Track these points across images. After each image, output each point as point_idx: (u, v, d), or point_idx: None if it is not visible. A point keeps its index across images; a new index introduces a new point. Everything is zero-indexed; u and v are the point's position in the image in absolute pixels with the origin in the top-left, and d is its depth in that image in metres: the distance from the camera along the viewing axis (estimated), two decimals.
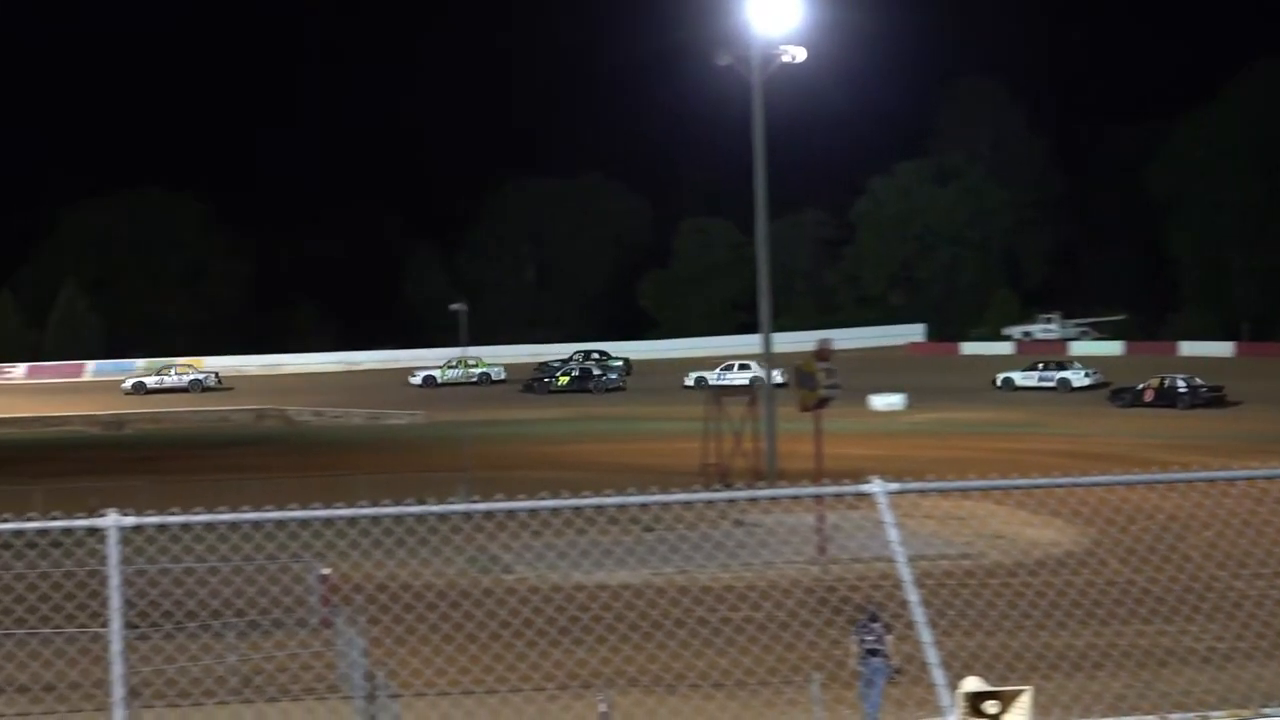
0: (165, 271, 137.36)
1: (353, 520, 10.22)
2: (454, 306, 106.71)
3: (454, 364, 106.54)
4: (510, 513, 10.36)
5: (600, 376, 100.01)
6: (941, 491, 25.90)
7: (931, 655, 9.55)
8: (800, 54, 59.01)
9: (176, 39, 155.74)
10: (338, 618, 30.30)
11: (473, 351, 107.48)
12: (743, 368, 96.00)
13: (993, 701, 9.60)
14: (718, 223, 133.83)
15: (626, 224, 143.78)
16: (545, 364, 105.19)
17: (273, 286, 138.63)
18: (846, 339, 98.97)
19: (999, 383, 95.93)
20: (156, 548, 25.85)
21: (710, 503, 32.95)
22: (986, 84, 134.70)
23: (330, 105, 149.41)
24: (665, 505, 17.40)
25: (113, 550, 9.26)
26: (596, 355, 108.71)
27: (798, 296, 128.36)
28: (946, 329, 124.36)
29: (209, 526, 9.50)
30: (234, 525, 8.85)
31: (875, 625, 24.46)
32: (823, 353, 45.02)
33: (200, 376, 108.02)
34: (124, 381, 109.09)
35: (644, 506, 16.91)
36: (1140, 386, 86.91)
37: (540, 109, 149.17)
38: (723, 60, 59.63)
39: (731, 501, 39.12)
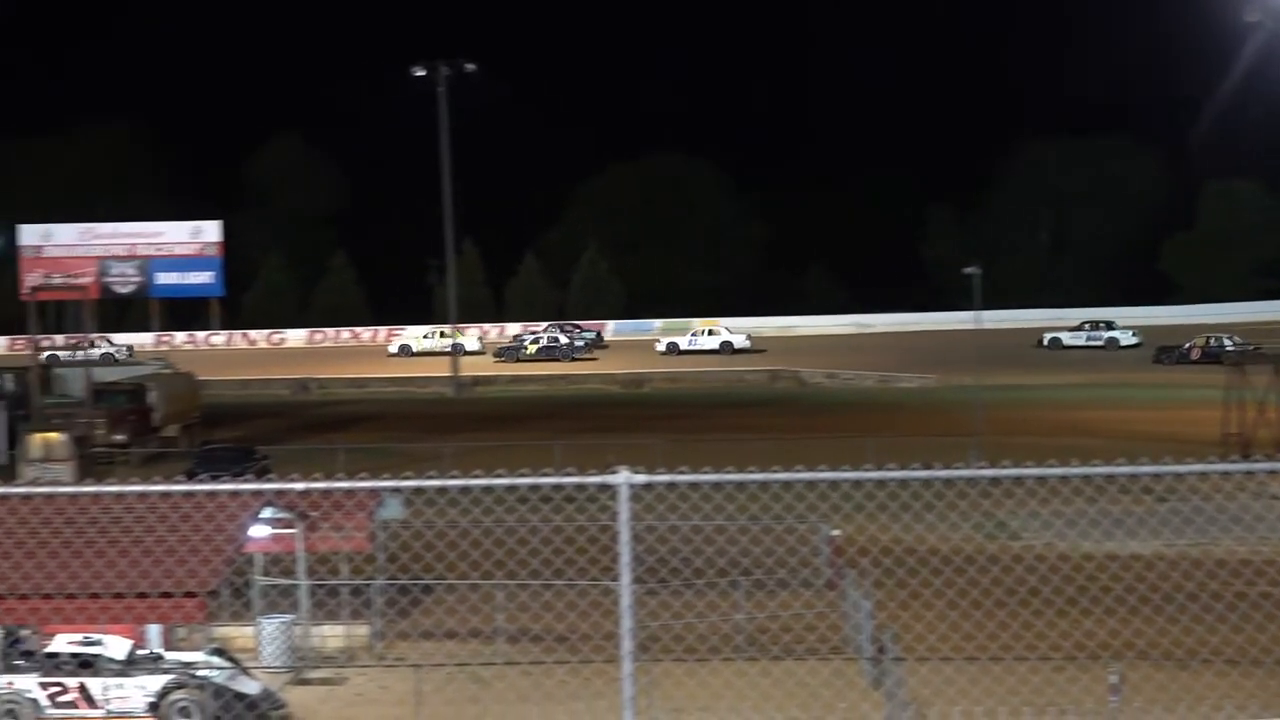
0: (682, 234, 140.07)
1: (858, 483, 10.11)
2: (968, 270, 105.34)
3: (427, 334, 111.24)
4: (1018, 479, 10.08)
5: (566, 345, 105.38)
6: None
7: None
8: None
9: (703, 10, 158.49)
10: (844, 579, 30.34)
11: (986, 315, 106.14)
12: (711, 333, 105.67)
13: None
14: (1245, 184, 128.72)
15: (1146, 185, 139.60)
16: (518, 336, 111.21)
17: (787, 249, 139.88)
18: None
19: (1046, 342, 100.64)
20: (666, 505, 26.28)
21: (1227, 474, 31.70)
22: None
23: (839, 67, 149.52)
24: (1179, 476, 16.72)
25: (623, 507, 9.36)
26: (568, 327, 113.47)
27: None
28: None
29: (716, 486, 9.52)
30: (740, 485, 8.89)
31: None
32: None
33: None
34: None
35: (1156, 477, 16.29)
36: (1186, 346, 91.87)
37: (1054, 69, 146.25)
38: (1251, 16, 57.18)
39: (1249, 474, 37.54)
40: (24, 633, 27.89)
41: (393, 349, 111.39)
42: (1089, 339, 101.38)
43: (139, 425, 61.83)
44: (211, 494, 24.79)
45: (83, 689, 26.56)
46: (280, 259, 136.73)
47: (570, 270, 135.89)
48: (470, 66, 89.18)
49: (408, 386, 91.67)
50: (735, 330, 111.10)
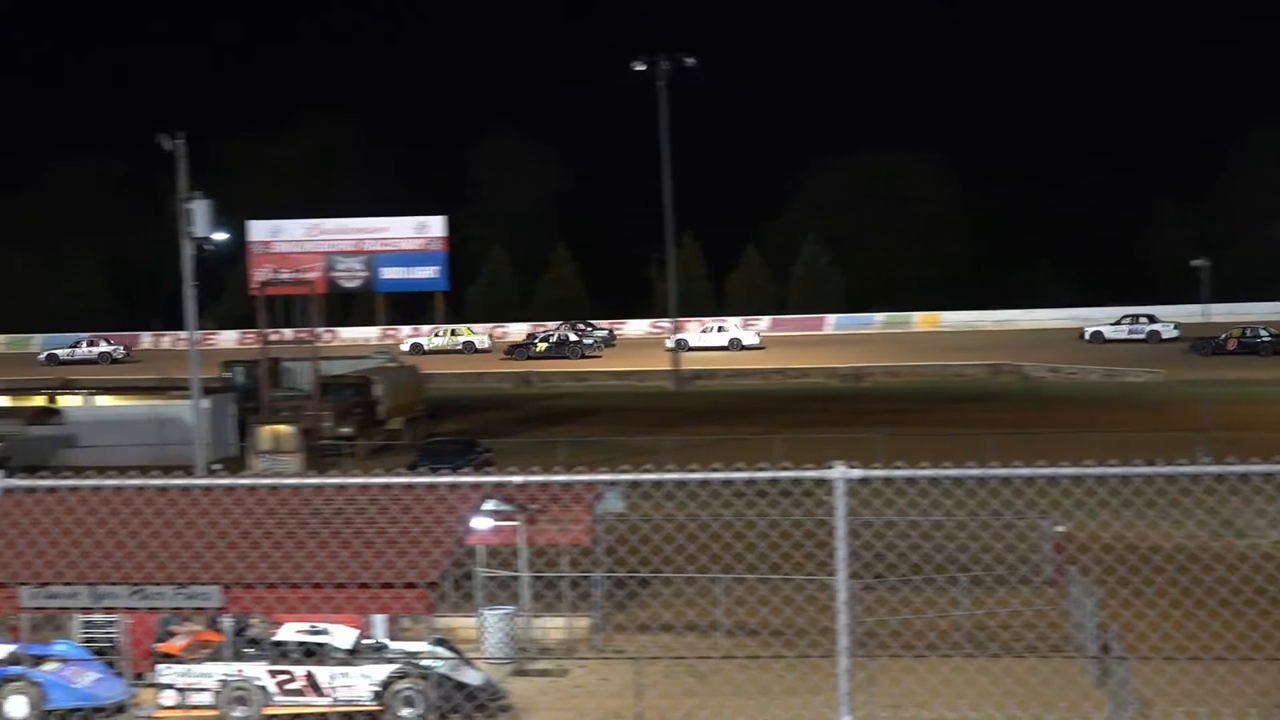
0: (902, 228, 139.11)
1: (1078, 478, 10.01)
2: (1195, 262, 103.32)
3: (439, 333, 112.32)
4: (1243, 476, 9.91)
5: (576, 343, 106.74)
6: None
7: None
8: None
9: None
10: (1067, 576, 29.97)
11: (1216, 309, 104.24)
12: (720, 330, 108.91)
13: None
14: None
15: None
16: (530, 334, 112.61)
17: (1008, 242, 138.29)
18: None
19: (1088, 336, 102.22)
20: (883, 500, 26.17)
21: None
22: None
23: (1062, 59, 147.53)
24: None
25: (840, 501, 9.35)
26: (581, 326, 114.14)
27: None
28: None
29: (933, 481, 9.47)
30: (958, 480, 8.86)
31: None
32: None
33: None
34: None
35: None
36: (1223, 337, 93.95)
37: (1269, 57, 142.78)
38: None
39: None
40: (252, 621, 28.59)
41: (405, 347, 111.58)
42: (1130, 332, 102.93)
43: (365, 418, 62.95)
44: (431, 486, 25.20)
45: (310, 677, 27.14)
46: (503, 253, 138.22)
47: (790, 264, 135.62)
48: (690, 60, 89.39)
49: (628, 380, 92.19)
50: (963, 322, 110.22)
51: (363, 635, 28.10)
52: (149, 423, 60.43)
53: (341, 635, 27.72)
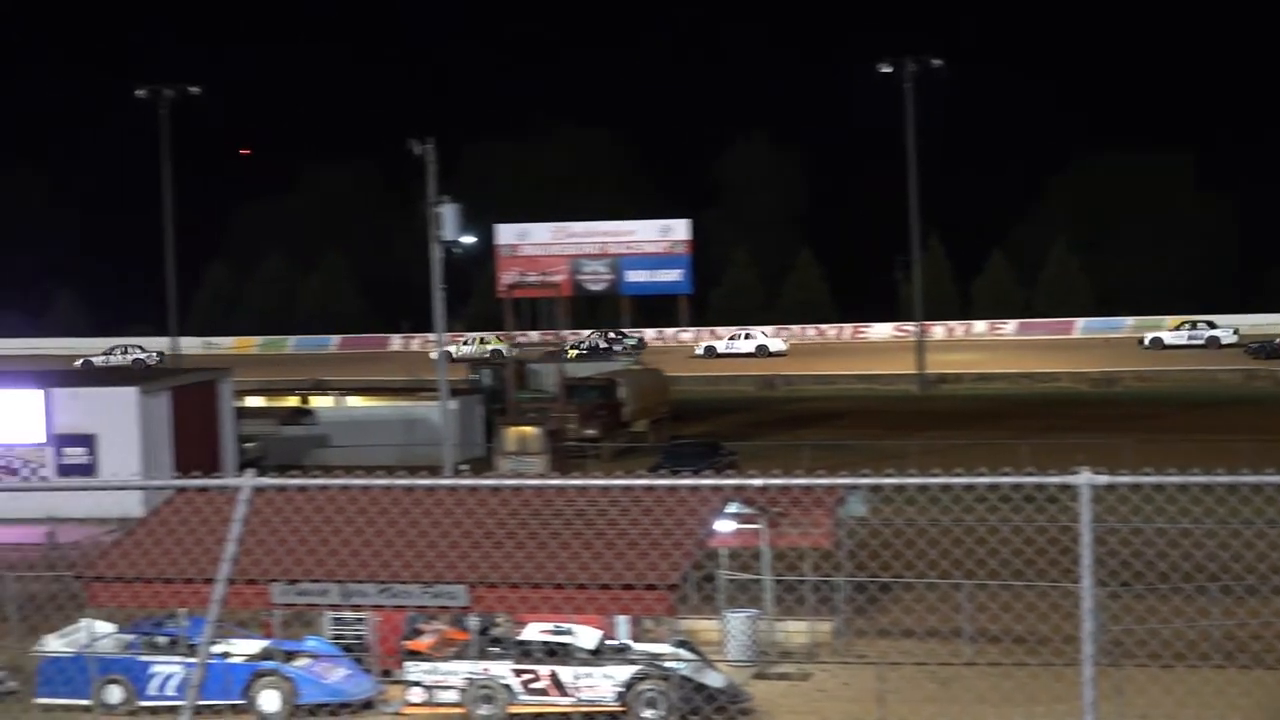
0: (1152, 230, 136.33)
1: None
2: None
3: (467, 342, 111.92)
4: None
5: (606, 350, 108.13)
6: None
7: None
8: None
9: None
10: None
11: None
12: (747, 337, 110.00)
13: None
14: None
15: None
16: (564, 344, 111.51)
17: (1263, 244, 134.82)
18: None
19: (1147, 342, 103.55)
20: (1129, 507, 25.71)
21: None
22: None
23: None
24: None
25: (1085, 508, 9.22)
26: (611, 334, 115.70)
27: None
28: None
29: (1181, 488, 9.30)
30: (1207, 488, 8.68)
31: None
32: None
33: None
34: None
35: None
36: (1277, 340, 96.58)
37: None
38: None
39: None
40: (497, 621, 28.98)
41: (433, 355, 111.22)
42: (1190, 338, 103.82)
43: (609, 420, 63.39)
44: (672, 488, 25.35)
45: (554, 677, 27.44)
46: (747, 256, 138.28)
47: (1036, 267, 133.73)
48: (936, 62, 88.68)
49: (873, 384, 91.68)
50: (1204, 326, 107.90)
51: (606, 636, 28.33)
52: (398, 423, 61.60)
53: (585, 636, 27.98)
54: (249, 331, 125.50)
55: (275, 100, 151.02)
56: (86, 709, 28.62)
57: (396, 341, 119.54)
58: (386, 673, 29.02)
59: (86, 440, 51.91)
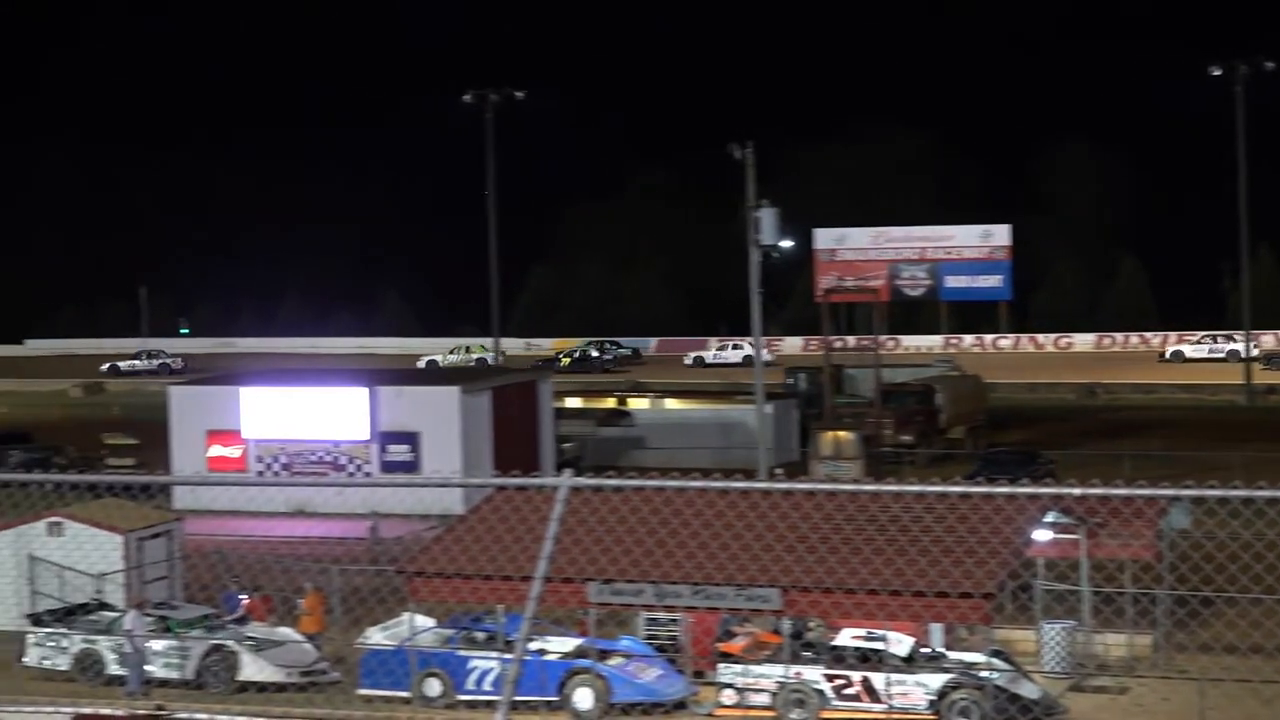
0: None
1: None
2: None
3: (454, 350, 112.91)
4: None
5: (597, 359, 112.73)
6: None
7: None
8: None
9: None
10: None
11: None
12: (735, 348, 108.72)
13: None
14: None
15: None
16: (558, 352, 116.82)
17: None
18: None
19: (1169, 355, 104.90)
20: None
21: None
22: None
23: None
24: None
25: None
26: (605, 344, 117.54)
27: None
28: None
29: None
30: None
31: None
32: None
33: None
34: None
35: None
36: None
37: None
38: None
39: None
40: (810, 625, 28.95)
41: (421, 364, 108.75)
42: (1210, 351, 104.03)
43: (926, 426, 62.81)
44: (988, 496, 25.04)
45: (866, 683, 27.31)
46: (1070, 263, 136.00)
47: None
48: (1270, 64, 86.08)
49: (1198, 393, 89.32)
50: None
51: (919, 643, 28.10)
52: (714, 427, 61.85)
53: (898, 642, 27.78)
54: (569, 333, 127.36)
55: (598, 103, 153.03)
56: (406, 701, 29.32)
57: (712, 345, 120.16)
58: (699, 674, 29.19)
59: (410, 438, 53.19)
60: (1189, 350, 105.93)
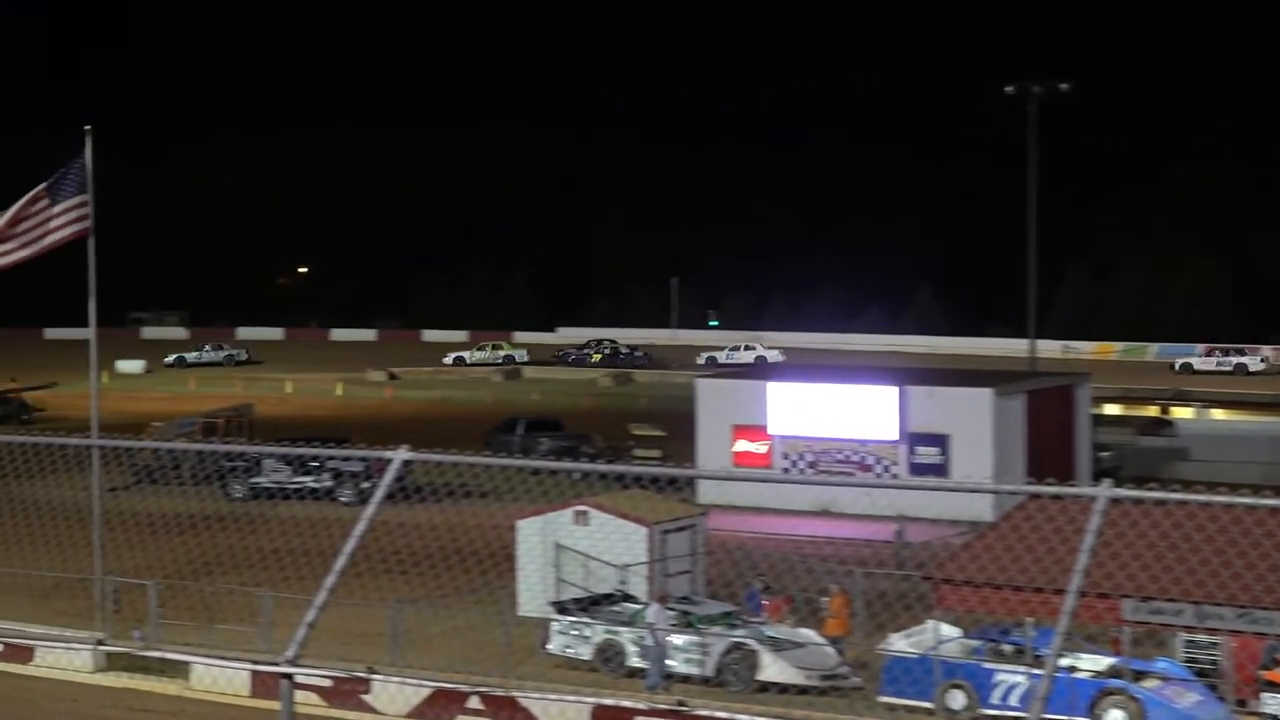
0: None
1: None
2: None
3: (482, 346, 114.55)
4: None
5: (627, 356, 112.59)
6: None
7: None
8: None
9: None
10: None
11: None
12: (748, 348, 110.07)
13: None
14: None
15: None
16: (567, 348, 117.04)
17: None
18: None
19: (1178, 368, 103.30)
20: None
21: None
22: None
23: None
24: None
25: None
26: (610, 342, 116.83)
27: None
28: None
29: None
30: None
31: None
32: None
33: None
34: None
35: None
36: None
37: None
38: None
39: None
40: None
41: (447, 359, 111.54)
42: (1219, 364, 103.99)
43: None
44: None
45: None
46: None
47: None
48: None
49: None
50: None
51: None
52: (1264, 440, 58.72)
53: None
54: (1109, 336, 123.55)
55: (1144, 96, 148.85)
56: (928, 712, 28.41)
57: (1266, 350, 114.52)
58: (1242, 703, 27.37)
59: (939, 440, 52.09)
60: (1197, 363, 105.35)
